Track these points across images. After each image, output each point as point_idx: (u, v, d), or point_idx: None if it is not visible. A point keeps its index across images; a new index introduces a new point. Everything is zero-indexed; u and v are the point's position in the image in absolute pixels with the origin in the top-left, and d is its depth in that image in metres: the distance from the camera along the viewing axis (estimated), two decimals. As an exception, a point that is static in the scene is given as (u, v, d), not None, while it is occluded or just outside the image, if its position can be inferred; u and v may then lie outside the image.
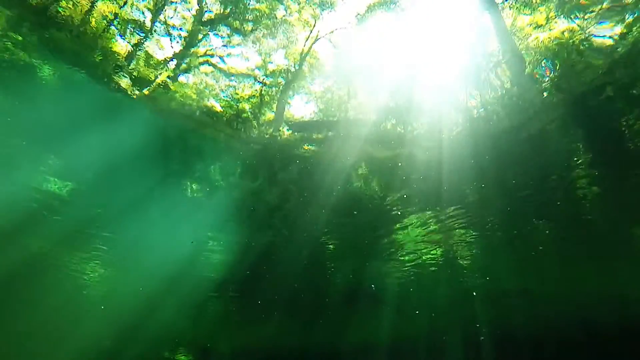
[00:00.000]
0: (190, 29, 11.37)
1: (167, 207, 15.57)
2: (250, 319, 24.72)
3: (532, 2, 10.30)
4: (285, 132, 13.33)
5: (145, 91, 11.44)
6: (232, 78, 12.76)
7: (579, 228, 14.95)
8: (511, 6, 11.19)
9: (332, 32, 13.06)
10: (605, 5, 9.13)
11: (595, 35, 9.80)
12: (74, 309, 25.37)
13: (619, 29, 9.22)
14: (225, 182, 14.81)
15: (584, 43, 10.02)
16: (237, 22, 11.86)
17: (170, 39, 11.44)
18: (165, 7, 10.88)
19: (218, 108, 12.82)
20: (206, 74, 12.67)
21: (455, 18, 11.98)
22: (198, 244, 17.97)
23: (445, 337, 24.77)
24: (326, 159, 13.49)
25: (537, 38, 10.92)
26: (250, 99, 12.86)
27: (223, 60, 12.65)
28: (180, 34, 11.43)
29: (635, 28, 8.77)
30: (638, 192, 12.45)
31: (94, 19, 10.20)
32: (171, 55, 11.59)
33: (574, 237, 15.41)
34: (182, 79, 12.06)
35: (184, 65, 11.91)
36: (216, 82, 12.77)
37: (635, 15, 8.69)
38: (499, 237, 16.15)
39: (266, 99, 13.04)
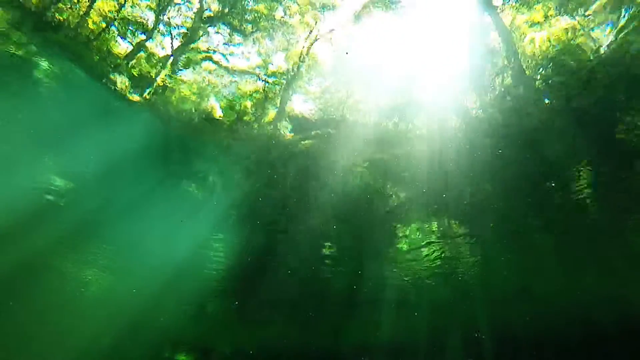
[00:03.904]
0: (191, 25, 11.39)
1: (167, 207, 15.59)
2: (250, 319, 24.72)
3: (529, 1, 10.36)
4: (286, 129, 13.35)
5: (146, 95, 11.47)
6: (234, 74, 12.79)
7: (577, 228, 14.96)
8: (511, 6, 11.23)
9: (331, 32, 13.10)
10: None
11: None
12: (74, 309, 25.38)
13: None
14: (226, 182, 14.83)
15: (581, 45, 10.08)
16: (237, 21, 11.90)
17: (171, 37, 11.46)
18: (169, 7, 10.91)
19: (218, 112, 12.84)
20: (209, 72, 12.69)
21: (454, 17, 12.03)
22: (198, 244, 17.97)
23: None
24: (326, 158, 13.51)
25: (533, 39, 10.97)
26: (254, 95, 12.89)
27: (226, 58, 12.69)
28: (180, 32, 11.45)
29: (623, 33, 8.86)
30: (635, 191, 12.49)
31: (91, 20, 10.22)
32: (170, 52, 11.62)
33: (572, 237, 15.44)
34: (182, 75, 12.08)
35: (183, 61, 11.93)
36: (218, 78, 12.79)
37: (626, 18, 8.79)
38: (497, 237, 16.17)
39: (270, 97, 13.07)
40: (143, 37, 10.95)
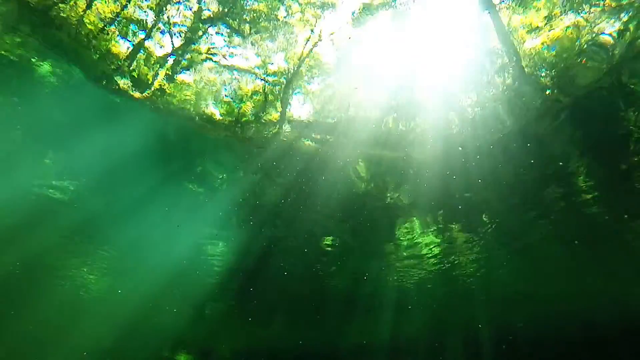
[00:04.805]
0: (191, 25, 11.33)
1: (167, 208, 15.57)
2: (250, 319, 24.71)
3: (528, 1, 10.31)
4: (283, 130, 13.34)
5: (146, 94, 11.43)
6: (234, 73, 12.73)
7: (578, 228, 14.94)
8: (508, 7, 11.19)
9: (332, 32, 13.06)
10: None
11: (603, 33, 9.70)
12: (74, 310, 25.38)
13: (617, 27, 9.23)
14: (226, 184, 14.82)
15: (587, 42, 9.99)
16: (236, 22, 11.85)
17: (171, 37, 11.40)
18: (168, 5, 10.83)
19: (217, 116, 12.83)
20: (209, 70, 12.63)
21: (455, 16, 11.99)
22: (199, 244, 17.96)
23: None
24: (328, 160, 13.50)
25: (535, 41, 10.92)
26: (254, 96, 12.86)
27: (225, 59, 12.64)
28: (180, 31, 11.40)
29: (632, 26, 8.79)
30: (637, 192, 12.47)
31: (90, 18, 10.16)
32: (170, 52, 11.56)
33: (573, 237, 15.41)
34: (182, 76, 12.04)
35: (184, 62, 11.88)
36: (218, 75, 12.73)
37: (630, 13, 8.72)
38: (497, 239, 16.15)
39: (270, 98, 13.04)
40: (142, 36, 10.90)
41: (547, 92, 11.10)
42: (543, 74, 11.00)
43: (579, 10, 9.58)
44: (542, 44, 10.72)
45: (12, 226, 15.87)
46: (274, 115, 13.13)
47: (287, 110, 13.32)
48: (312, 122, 13.81)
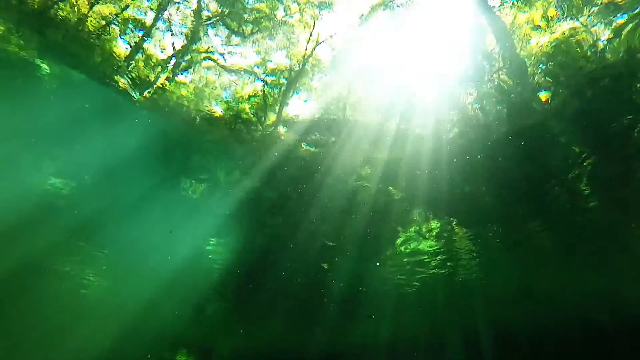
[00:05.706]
0: (191, 27, 11.35)
1: (167, 209, 15.58)
2: (250, 319, 24.71)
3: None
4: (283, 131, 13.36)
5: (146, 94, 11.46)
6: (233, 74, 12.73)
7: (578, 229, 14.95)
8: (512, 5, 11.19)
9: (332, 33, 13.10)
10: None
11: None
12: (74, 310, 25.37)
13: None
14: (225, 184, 14.84)
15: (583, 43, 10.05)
16: (236, 22, 11.86)
17: (172, 34, 11.43)
18: (168, 5, 10.84)
19: (218, 112, 12.84)
20: (208, 69, 12.65)
21: (454, 18, 12.02)
22: (198, 245, 17.96)
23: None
24: (326, 159, 13.52)
25: (537, 43, 10.94)
26: (252, 99, 12.88)
27: (224, 58, 12.65)
28: (181, 31, 11.41)
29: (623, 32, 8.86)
30: (637, 191, 12.49)
31: (90, 20, 10.17)
32: (171, 54, 11.59)
33: (572, 237, 15.43)
34: (182, 77, 12.08)
35: (184, 64, 11.91)
36: (218, 76, 12.73)
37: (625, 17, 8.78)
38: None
39: (269, 102, 13.06)
40: (140, 34, 10.90)
41: (547, 91, 11.15)
42: (542, 74, 11.04)
43: (576, 16, 9.65)
44: (544, 44, 10.77)
45: (12, 226, 15.86)
46: (272, 118, 13.16)
47: (285, 110, 13.35)
48: (311, 121, 13.84)
